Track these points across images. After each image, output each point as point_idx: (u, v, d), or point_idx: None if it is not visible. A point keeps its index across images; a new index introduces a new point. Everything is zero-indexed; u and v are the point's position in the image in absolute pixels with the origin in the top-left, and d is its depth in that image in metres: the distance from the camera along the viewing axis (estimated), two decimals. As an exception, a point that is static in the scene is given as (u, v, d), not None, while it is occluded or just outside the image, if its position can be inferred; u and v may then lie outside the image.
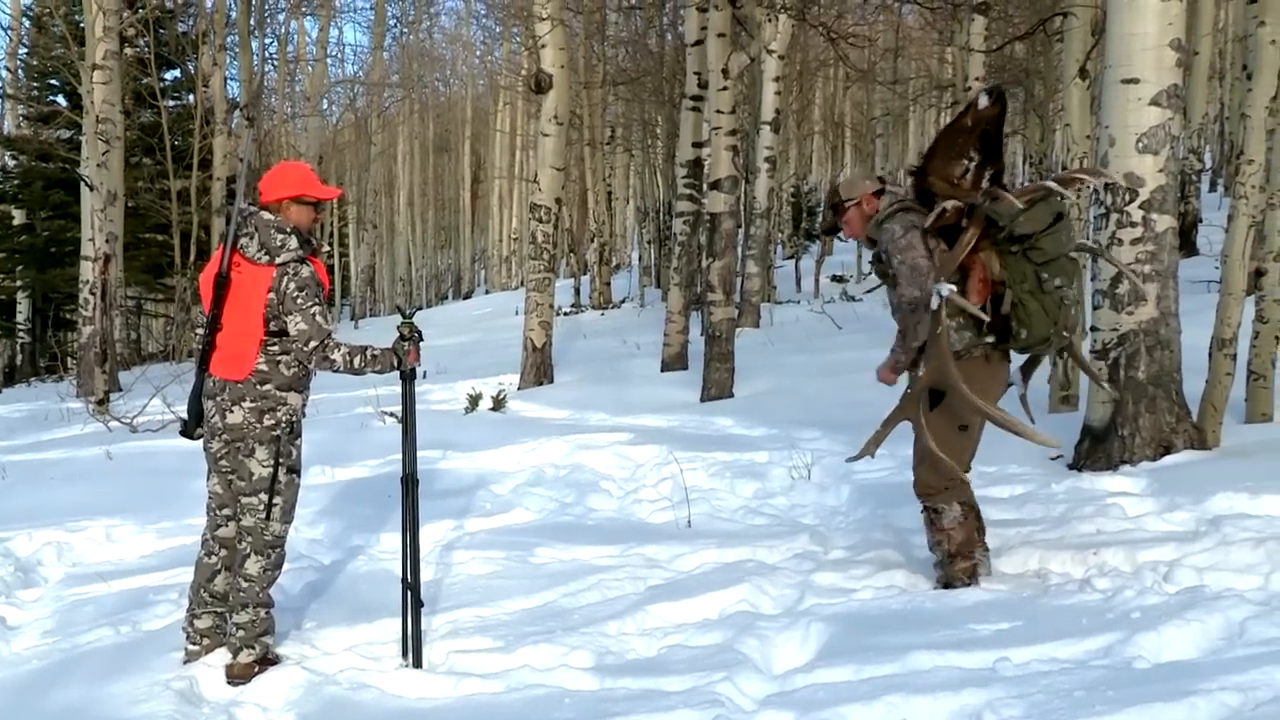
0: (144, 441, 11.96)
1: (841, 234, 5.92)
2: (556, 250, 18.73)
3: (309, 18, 35.49)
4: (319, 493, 8.48)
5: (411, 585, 5.23)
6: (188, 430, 5.26)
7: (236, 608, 5.14)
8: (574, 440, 10.28)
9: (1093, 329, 7.63)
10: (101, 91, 18.01)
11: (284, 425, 5.14)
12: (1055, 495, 7.00)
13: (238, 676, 5.07)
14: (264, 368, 5.08)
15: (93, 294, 17.73)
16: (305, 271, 5.09)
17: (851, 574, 5.94)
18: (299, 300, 5.03)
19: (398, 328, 5.23)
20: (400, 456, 5.34)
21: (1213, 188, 29.92)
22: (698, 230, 16.74)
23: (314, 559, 7.00)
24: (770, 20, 18.89)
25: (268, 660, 5.17)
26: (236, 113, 25.76)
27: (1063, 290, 5.38)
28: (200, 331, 5.21)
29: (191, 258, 24.91)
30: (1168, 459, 7.27)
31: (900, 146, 49.06)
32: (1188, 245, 19.01)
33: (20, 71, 31.55)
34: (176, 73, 29.67)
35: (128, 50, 24.77)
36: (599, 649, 5.17)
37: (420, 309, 40.22)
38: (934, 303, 5.24)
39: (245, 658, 5.10)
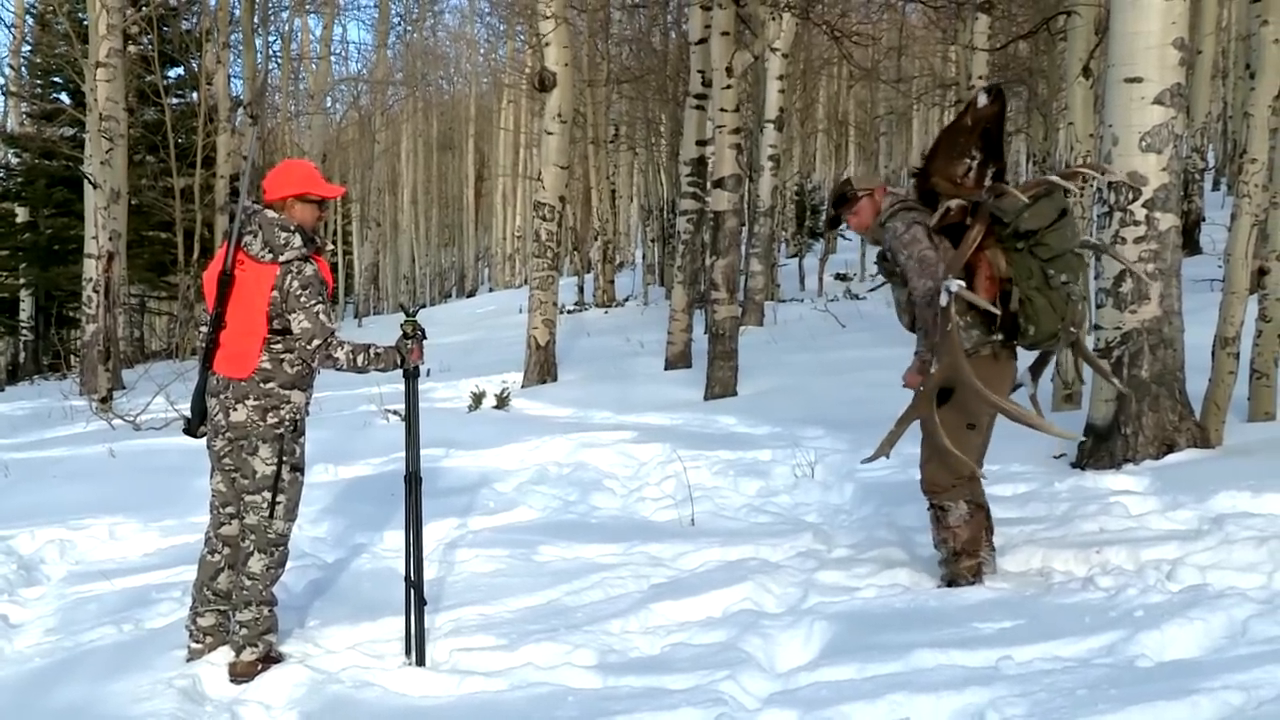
0: (147, 439, 11.97)
1: (848, 224, 5.86)
2: (560, 248, 18.77)
3: (312, 15, 35.50)
4: (322, 491, 8.49)
5: (415, 583, 5.24)
6: (191, 428, 5.26)
7: (239, 606, 5.14)
8: (577, 438, 10.27)
9: (1096, 327, 7.63)
10: (105, 89, 18.05)
11: (287, 423, 5.14)
12: (1058, 494, 6.99)
13: (240, 675, 5.07)
14: (267, 366, 5.08)
15: (96, 292, 17.76)
16: (309, 270, 5.08)
17: (855, 572, 5.94)
18: (302, 298, 5.03)
19: (401, 326, 5.23)
20: (403, 454, 5.34)
21: (1216, 186, 29.88)
22: (701, 228, 16.73)
23: (317, 557, 7.00)
24: (774, 18, 18.89)
25: (270, 658, 5.17)
26: (240, 110, 25.76)
27: (1069, 286, 5.38)
28: (204, 329, 5.21)
29: (195, 255, 24.92)
30: (1171, 457, 7.26)
31: (904, 145, 49.08)
32: (1191, 244, 18.98)
33: (24, 69, 31.58)
34: (180, 70, 29.67)
35: (131, 48, 24.75)
36: (602, 647, 5.17)
37: (424, 307, 40.10)
38: (943, 299, 5.23)
39: (248, 656, 5.10)
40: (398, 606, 5.39)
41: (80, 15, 25.12)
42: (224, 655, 5.19)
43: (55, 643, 5.76)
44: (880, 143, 44.73)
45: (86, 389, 17.23)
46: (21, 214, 30.21)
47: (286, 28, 32.00)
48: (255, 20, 26.92)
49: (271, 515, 5.14)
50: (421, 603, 5.23)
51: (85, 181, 18.96)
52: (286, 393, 5.13)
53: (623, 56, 30.74)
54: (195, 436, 5.29)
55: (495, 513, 7.97)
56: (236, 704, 4.87)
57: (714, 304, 13.25)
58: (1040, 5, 18.29)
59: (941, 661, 4.49)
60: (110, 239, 17.92)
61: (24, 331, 29.79)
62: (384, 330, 26.96)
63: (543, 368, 15.45)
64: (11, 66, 30.66)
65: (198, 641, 5.27)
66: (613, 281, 32.10)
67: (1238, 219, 8.21)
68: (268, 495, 5.12)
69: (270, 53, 30.49)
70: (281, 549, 5.22)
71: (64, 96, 30.34)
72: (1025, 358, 5.75)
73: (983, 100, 5.45)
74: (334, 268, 25.96)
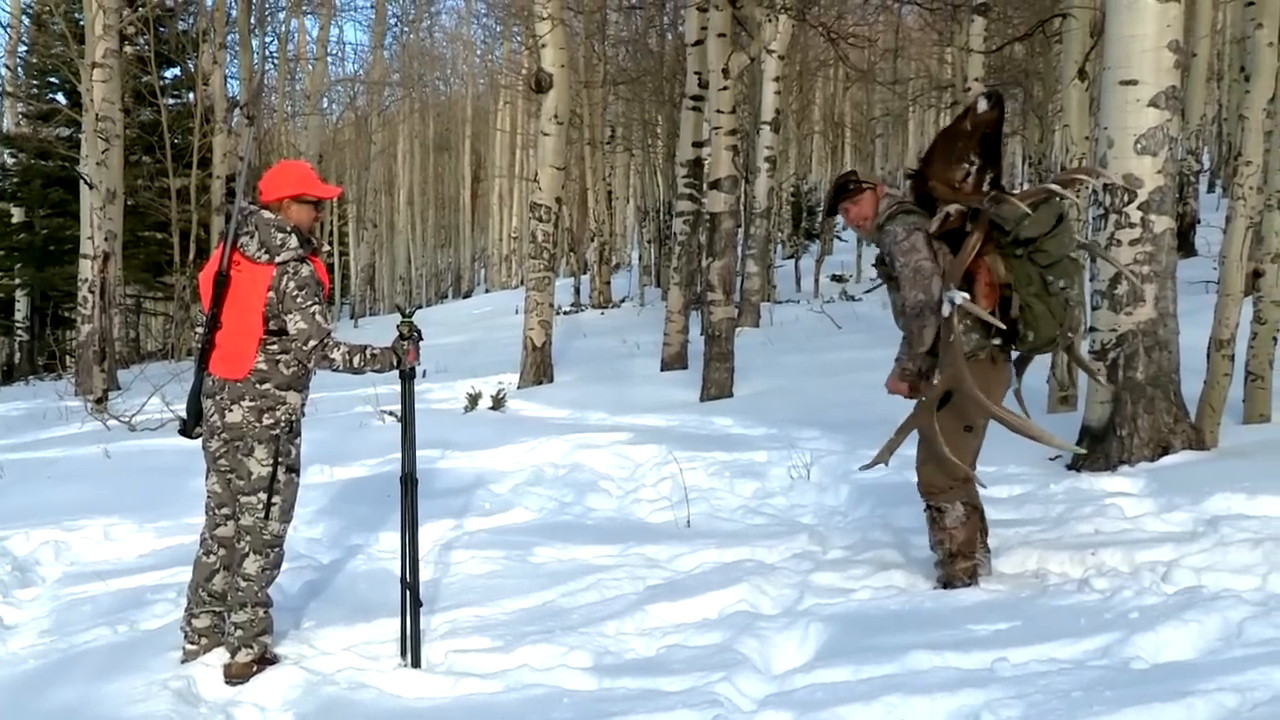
0: (142, 440, 11.96)
1: (844, 214, 5.82)
2: (556, 249, 18.74)
3: (309, 16, 35.48)
4: (318, 492, 8.48)
5: (410, 585, 5.23)
6: (186, 429, 5.26)
7: (235, 607, 5.14)
8: (573, 440, 10.27)
9: (1091, 329, 7.64)
10: (101, 89, 18.02)
11: (283, 424, 5.14)
12: (1054, 495, 7.00)
13: (236, 676, 5.06)
14: (263, 367, 5.08)
15: (91, 292, 17.74)
16: (305, 270, 5.08)
17: (850, 574, 5.95)
18: (299, 299, 5.03)
19: (397, 327, 5.22)
20: (399, 455, 5.35)
21: (1211, 189, 29.93)
22: (698, 230, 16.74)
23: (313, 558, 7.00)
24: (770, 20, 18.88)
25: (266, 660, 5.17)
26: (236, 111, 25.73)
27: (1066, 291, 5.40)
28: (199, 330, 5.21)
29: (191, 256, 24.91)
30: (1166, 459, 7.27)
31: (900, 147, 49.11)
32: (1186, 246, 19.00)
33: (20, 69, 31.54)
34: (176, 71, 29.69)
35: (128, 48, 24.76)
36: (598, 649, 5.17)
37: (420, 308, 40.22)
38: (946, 310, 5.24)
39: (243, 657, 5.10)
40: (393, 608, 5.39)
41: (76, 15, 25.13)
42: (219, 657, 5.18)
43: (50, 644, 5.75)
44: (876, 145, 44.74)
45: (82, 390, 17.21)
46: (17, 214, 30.19)
47: (283, 28, 32.01)
48: (252, 21, 26.92)
49: (267, 516, 5.13)
50: (417, 604, 5.23)
51: (81, 182, 18.94)
52: (282, 394, 5.12)
53: (619, 58, 30.76)
54: (191, 437, 5.29)
55: (491, 514, 7.97)
56: (231, 705, 4.87)
57: (710, 305, 13.25)
58: (1036, 8, 18.34)
59: (937, 663, 4.50)
60: (106, 239, 17.91)
61: (19, 332, 29.75)
62: (380, 331, 26.89)
63: (539, 369, 15.45)
64: (8, 67, 30.61)
65: (193, 643, 5.27)
66: (609, 283, 32.10)
67: (1232, 221, 8.22)
68: (263, 496, 5.12)
69: (267, 53, 30.55)
70: (277, 550, 5.22)
71: (60, 97, 30.33)
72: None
73: (983, 105, 5.45)
74: (330, 268, 25.93)
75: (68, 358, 24.54)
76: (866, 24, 30.34)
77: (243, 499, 5.14)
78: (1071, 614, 4.93)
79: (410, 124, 53.00)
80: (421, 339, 5.30)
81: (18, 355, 29.90)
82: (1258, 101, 8.34)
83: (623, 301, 31.06)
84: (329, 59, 36.37)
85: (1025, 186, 23.69)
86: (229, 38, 26.12)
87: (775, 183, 23.33)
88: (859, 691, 4.30)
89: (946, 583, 5.59)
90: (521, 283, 39.39)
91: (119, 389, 17.62)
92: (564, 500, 8.40)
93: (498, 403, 13.21)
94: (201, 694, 5.00)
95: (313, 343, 5.05)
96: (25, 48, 31.21)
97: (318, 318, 5.06)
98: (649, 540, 6.98)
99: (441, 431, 10.48)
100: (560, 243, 29.81)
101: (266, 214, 5.12)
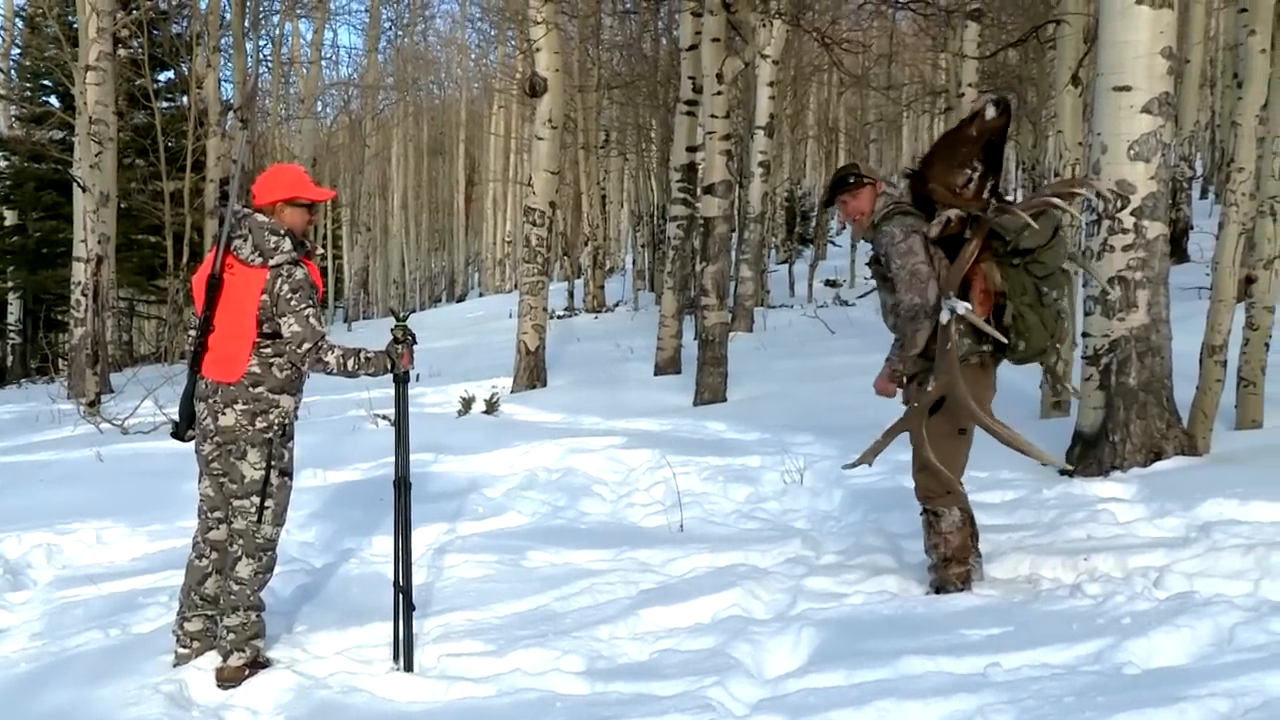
0: (135, 444, 11.94)
1: (841, 207, 5.78)
2: (550, 254, 18.76)
3: (303, 20, 35.52)
4: (311, 496, 8.47)
5: (403, 589, 5.23)
6: (179, 432, 5.24)
7: (227, 611, 5.13)
8: (567, 444, 10.27)
9: (1084, 335, 7.65)
10: (95, 92, 18.02)
11: (276, 428, 5.14)
12: (1046, 501, 7.01)
13: (228, 680, 5.05)
14: (256, 370, 5.08)
15: (84, 295, 17.72)
16: (299, 273, 5.08)
17: (843, 579, 5.95)
18: (293, 302, 5.02)
19: (392, 330, 5.22)
20: (392, 459, 5.34)
21: (1204, 195, 29.95)
22: (691, 234, 16.74)
23: (305, 562, 6.99)
24: (765, 25, 18.94)
25: (258, 663, 5.16)
26: (230, 114, 25.72)
27: (1059, 303, 5.42)
28: (192, 333, 5.20)
29: (184, 259, 24.85)
30: (1158, 465, 7.28)
31: (894, 151, 49.22)
32: (1179, 252, 19.02)
33: (13, 72, 31.53)
34: (170, 74, 29.63)
35: (121, 51, 24.71)
36: (590, 653, 5.17)
37: (414, 312, 40.22)
38: (944, 317, 5.24)
39: (235, 661, 5.09)
40: (386, 612, 5.38)
41: (70, 18, 25.05)
42: (211, 660, 5.18)
43: (42, 647, 5.74)
44: (870, 149, 44.82)
45: (74, 393, 17.18)
46: (10, 217, 30.14)
47: (277, 32, 32.10)
48: (246, 24, 26.88)
49: (260, 520, 5.13)
50: (410, 608, 5.23)
51: (74, 185, 18.92)
52: (275, 397, 5.12)
53: (614, 62, 30.79)
54: (183, 440, 5.27)
55: (484, 518, 7.96)
56: (224, 709, 4.87)
57: (704, 310, 13.26)
58: (1030, 13, 18.37)
59: (929, 668, 4.50)
60: (99, 242, 17.88)
61: (12, 335, 29.70)
62: (374, 335, 26.90)
63: (532, 373, 15.44)
64: (1, 69, 30.57)
65: (185, 646, 5.26)
66: (603, 287, 32.09)
67: (1225, 227, 8.24)
68: (256, 500, 5.11)
69: (261, 57, 30.55)
70: (269, 554, 5.21)
71: (53, 100, 30.25)
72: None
73: (991, 112, 5.44)
74: (324, 272, 25.92)
75: (60, 361, 24.45)
76: (861, 29, 30.42)
77: (235, 502, 5.14)
78: (1064, 619, 4.94)
79: (404, 128, 53.00)
80: (416, 343, 5.30)
81: (10, 358, 29.83)
82: (1250, 108, 8.36)
83: (616, 306, 31.04)
84: (323, 62, 36.42)
85: (1019, 192, 23.75)
86: (223, 41, 26.08)
87: (769, 187, 23.36)
88: (851, 696, 4.31)
89: (939, 587, 5.59)
90: (515, 287, 39.38)
91: (112, 392, 17.59)
92: (557, 504, 8.40)
93: (491, 407, 13.20)
94: (193, 697, 4.99)
95: (307, 345, 5.05)
96: (18, 50, 31.22)
97: (312, 320, 5.06)
98: (642, 545, 6.98)
99: (435, 435, 10.48)
100: (554, 247, 29.84)
101: (260, 217, 5.12)
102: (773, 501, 8.12)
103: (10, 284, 29.53)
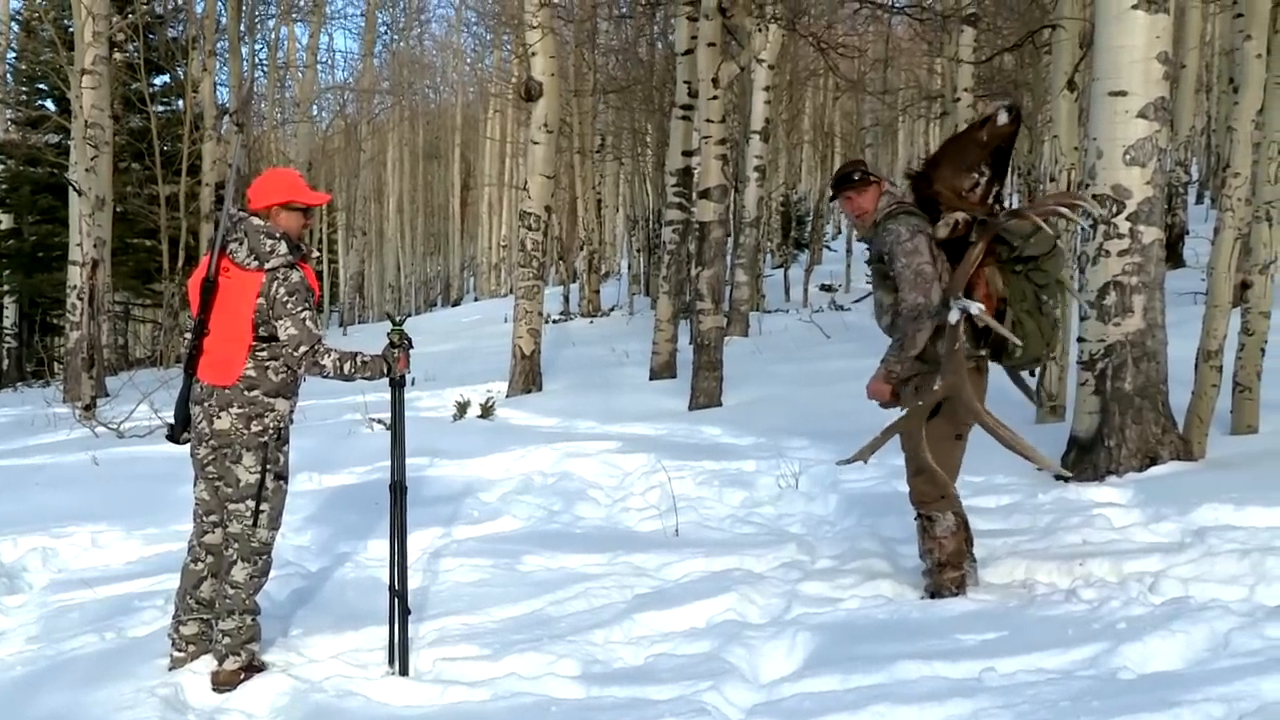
0: (130, 447, 11.93)
1: (844, 204, 5.76)
2: (545, 258, 18.78)
3: (299, 24, 35.49)
4: (306, 499, 8.47)
5: (399, 593, 5.23)
6: (174, 436, 5.23)
7: (222, 614, 5.12)
8: (562, 448, 10.27)
9: (1080, 340, 7.66)
10: (90, 96, 18.01)
11: (272, 431, 5.13)
12: (1042, 506, 7.02)
13: (223, 683, 5.05)
14: (252, 373, 5.07)
15: (80, 299, 17.70)
16: (295, 277, 5.07)
17: (838, 583, 5.95)
18: (289, 305, 5.02)
19: (388, 335, 5.23)
20: (388, 463, 5.34)
21: (1199, 200, 30.00)
22: (687, 239, 16.75)
23: (301, 566, 6.98)
24: (760, 30, 18.97)
25: (253, 667, 5.15)
26: (226, 118, 25.72)
27: (1055, 311, 5.44)
28: (188, 336, 5.20)
29: (180, 263, 24.82)
30: (1154, 470, 7.29)
31: (890, 156, 49.26)
32: (1174, 257, 19.06)
33: (9, 76, 31.45)
34: (166, 78, 29.60)
35: (117, 55, 24.70)
36: (585, 657, 5.17)
37: (409, 316, 40.19)
38: (953, 317, 5.23)
39: (231, 665, 5.08)
40: (381, 616, 5.38)
41: (66, 22, 25.04)
42: (206, 664, 5.17)
43: (37, 651, 5.73)
44: (866, 154, 44.77)
45: (70, 396, 17.17)
46: (6, 221, 30.08)
47: (273, 36, 32.08)
48: (241, 28, 26.90)
49: (255, 524, 5.12)
50: (405, 612, 5.23)
51: (70, 189, 18.92)
52: (271, 400, 5.11)
53: (609, 67, 30.82)
54: (178, 444, 5.27)
55: (479, 522, 7.96)
56: (219, 713, 4.87)
57: (699, 314, 13.27)
58: (1026, 19, 18.38)
59: (924, 673, 4.50)
60: (95, 246, 17.87)
61: (7, 339, 29.67)
62: (369, 339, 26.91)
63: (527, 377, 15.45)
64: (-4, 73, 30.57)
65: (180, 650, 5.25)
66: (598, 291, 32.10)
67: (1221, 232, 8.25)
68: (251, 504, 5.11)
69: (256, 61, 30.56)
70: (265, 557, 5.21)
71: (49, 103, 30.24)
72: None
73: (1003, 118, 5.43)
74: (319, 275, 25.88)
75: (56, 364, 24.50)
76: (856, 34, 30.44)
77: (231, 506, 5.13)
78: (1059, 624, 4.94)
79: (400, 132, 53.05)
80: (412, 347, 5.30)
81: (6, 362, 29.80)
82: (1246, 113, 8.38)
83: (612, 310, 31.05)
84: (319, 66, 36.44)
85: (1014, 197, 23.77)
86: (219, 45, 26.10)
87: (764, 192, 23.38)
88: (846, 701, 4.31)
89: (934, 592, 5.59)
90: (510, 291, 39.39)
91: (107, 396, 17.58)
92: (552, 509, 8.40)
93: (486, 411, 13.20)
94: (189, 701, 4.98)
95: (303, 349, 5.04)
96: (14, 54, 31.14)
97: (308, 324, 5.06)
98: (637, 549, 6.98)
99: (430, 439, 10.47)
100: (549, 251, 29.88)
101: (255, 221, 5.11)
102: (768, 506, 8.12)
103: (6, 288, 29.50)
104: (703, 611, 5.65)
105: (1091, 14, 8.21)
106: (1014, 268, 5.38)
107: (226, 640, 5.09)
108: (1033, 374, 6.94)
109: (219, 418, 5.07)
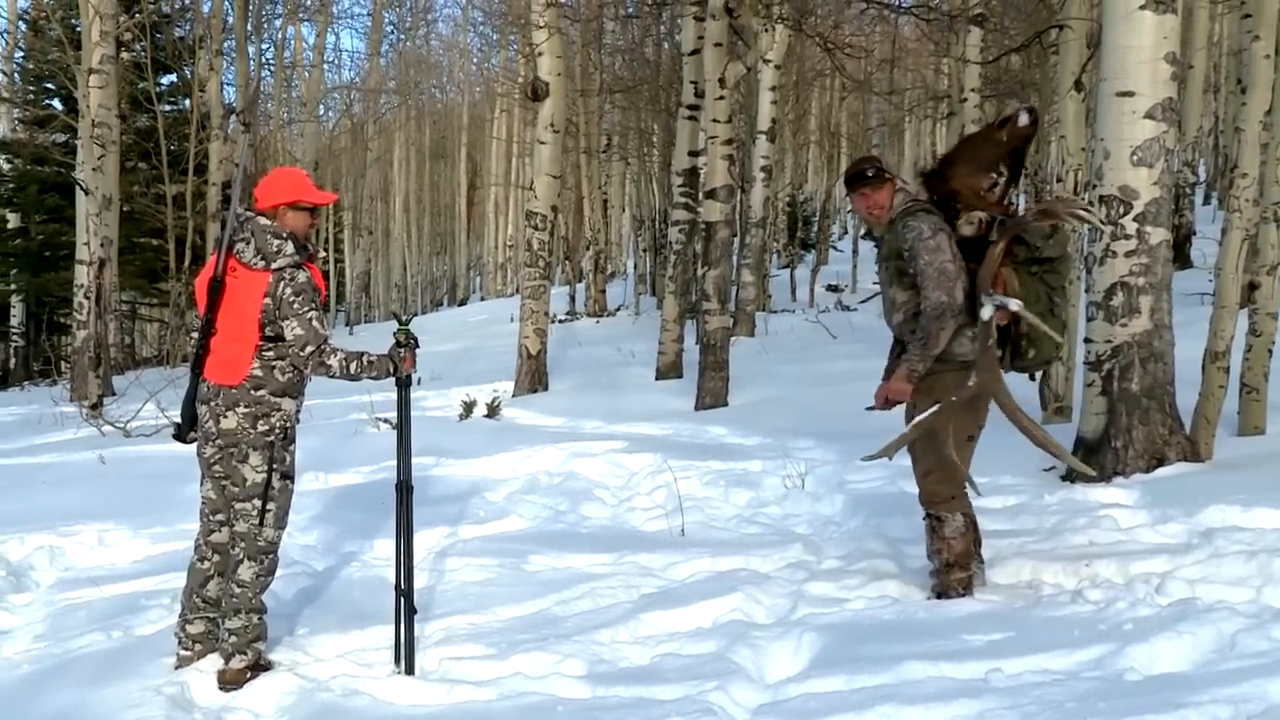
0: (137, 446, 11.95)
1: (857, 201, 5.73)
2: (552, 258, 18.77)
3: (306, 23, 35.42)
4: (312, 499, 8.47)
5: (405, 592, 5.23)
6: (181, 435, 5.24)
7: (229, 613, 5.13)
8: (568, 448, 10.28)
9: (1086, 340, 7.65)
10: (97, 96, 18.03)
11: (278, 431, 5.14)
12: (1048, 506, 7.01)
13: (230, 682, 5.06)
14: (258, 373, 5.08)
15: (87, 298, 17.72)
16: (302, 277, 5.08)
17: (844, 584, 5.94)
18: (296, 305, 5.03)
19: (394, 334, 5.23)
20: (394, 463, 5.35)
21: (1207, 201, 29.97)
22: (693, 239, 16.76)
23: (307, 565, 6.99)
24: (767, 30, 18.97)
25: (260, 666, 5.16)
26: (233, 118, 25.71)
27: (1063, 313, 5.46)
28: (195, 336, 5.20)
29: (186, 263, 24.84)
30: (1160, 471, 7.28)
31: (896, 156, 49.17)
32: (1182, 258, 19.05)
33: (16, 75, 31.52)
34: (173, 77, 29.63)
35: (124, 55, 24.74)
36: (592, 657, 5.17)
37: (415, 315, 40.21)
38: (986, 313, 5.22)
39: (237, 663, 5.09)
40: (387, 615, 5.38)
41: (73, 21, 25.06)
42: (213, 663, 5.18)
43: (44, 649, 5.74)
44: (873, 154, 44.80)
45: (77, 395, 17.19)
46: (13, 220, 30.13)
47: (279, 35, 32.06)
48: (248, 28, 26.91)
49: (261, 523, 5.13)
50: (411, 611, 5.23)
51: (77, 188, 18.94)
52: (277, 400, 5.12)
53: (615, 67, 30.82)
54: (185, 443, 5.27)
55: (486, 522, 7.97)
56: (225, 711, 4.87)
57: (705, 314, 13.27)
58: (1033, 19, 18.35)
59: (931, 673, 4.50)
60: (102, 245, 17.89)
61: (14, 337, 29.69)
62: (375, 338, 26.94)
63: (534, 377, 15.45)
64: (4, 72, 30.60)
65: (187, 649, 5.26)
66: (604, 291, 32.10)
67: (1228, 233, 8.24)
68: (258, 503, 5.11)
69: (263, 60, 30.53)
70: (271, 557, 5.22)
71: (56, 103, 30.26)
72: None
73: (1024, 119, 5.43)
74: (326, 275, 25.91)
75: (63, 363, 24.47)
76: (863, 34, 30.44)
77: (237, 505, 5.14)
78: (1065, 625, 4.94)
79: (406, 131, 53.05)
80: (418, 346, 5.30)
81: (13, 361, 29.82)
82: (1254, 114, 8.36)
83: (618, 310, 31.04)
84: (325, 66, 36.40)
85: (1022, 197, 23.73)
86: (225, 44, 26.07)
87: (771, 192, 23.35)
88: (853, 701, 4.30)
89: (941, 593, 5.58)
90: (517, 291, 39.40)
91: (114, 395, 17.58)
92: (558, 508, 8.40)
93: (493, 411, 13.20)
94: (195, 700, 4.99)
95: (310, 348, 5.05)
96: (21, 53, 31.21)
97: (315, 324, 5.06)
98: (643, 549, 6.98)
99: (436, 439, 10.48)
100: (556, 251, 29.85)
101: (262, 220, 5.12)
102: (774, 506, 8.11)
103: (13, 287, 29.53)
104: (708, 612, 5.65)
105: (1099, 14, 8.19)
106: (1029, 269, 5.37)
107: (233, 639, 5.10)
108: (1032, 378, 6.93)
109: (225, 417, 5.08)
